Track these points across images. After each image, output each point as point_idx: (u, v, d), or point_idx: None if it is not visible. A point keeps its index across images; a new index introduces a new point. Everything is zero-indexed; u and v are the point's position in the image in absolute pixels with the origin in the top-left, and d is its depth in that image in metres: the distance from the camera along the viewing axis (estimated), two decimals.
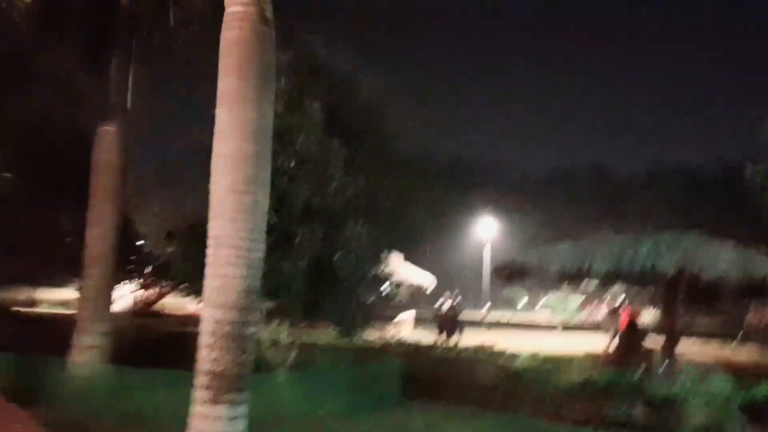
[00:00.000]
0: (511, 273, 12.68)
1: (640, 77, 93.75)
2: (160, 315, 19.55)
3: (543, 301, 43.66)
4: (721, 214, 22.00)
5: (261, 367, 8.46)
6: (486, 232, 34.79)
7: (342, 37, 11.09)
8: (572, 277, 12.29)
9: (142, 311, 19.90)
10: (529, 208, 42.31)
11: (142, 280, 19.08)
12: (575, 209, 41.61)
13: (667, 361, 11.25)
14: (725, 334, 28.57)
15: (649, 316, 20.22)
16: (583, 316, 41.09)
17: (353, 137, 10.98)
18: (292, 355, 10.59)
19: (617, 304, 23.18)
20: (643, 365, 11.11)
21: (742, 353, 20.55)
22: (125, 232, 13.41)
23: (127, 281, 18.43)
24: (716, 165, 36.03)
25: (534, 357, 13.47)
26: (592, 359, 14.07)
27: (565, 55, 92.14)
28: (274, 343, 10.57)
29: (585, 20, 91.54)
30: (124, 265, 15.34)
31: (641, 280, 12.29)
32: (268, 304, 9.54)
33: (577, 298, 43.36)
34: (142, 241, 19.09)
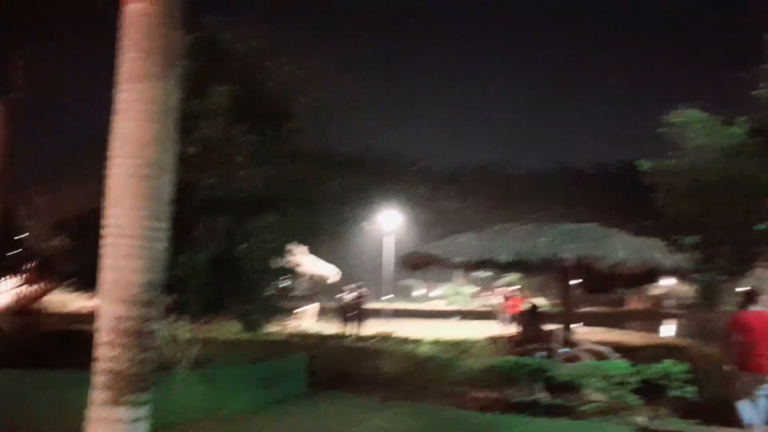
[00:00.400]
0: (417, 263, 12.75)
1: (545, 77, 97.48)
2: (39, 313, 18.25)
3: (438, 290, 44.71)
4: (616, 208, 23.32)
5: (160, 365, 7.98)
6: (388, 223, 35.12)
7: (256, 21, 10.66)
8: (477, 267, 12.52)
9: (22, 309, 18.51)
10: (432, 202, 43.15)
11: (24, 276, 17.73)
12: (474, 203, 42.80)
13: (565, 345, 11.66)
14: (616, 317, 30.16)
15: (539, 302, 21.10)
16: (477, 304, 42.53)
17: (261, 125, 10.57)
18: (194, 351, 10.11)
19: (513, 293, 24.09)
20: (544, 349, 11.44)
21: (633, 335, 21.81)
22: (5, 225, 12.36)
23: (7, 277, 17.07)
24: (613, 163, 38.13)
25: (438, 344, 13.66)
26: (494, 345, 14.45)
27: (476, 53, 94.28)
28: (174, 339, 10.05)
29: (492, 19, 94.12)
30: (3, 260, 14.16)
31: (539, 269, 12.70)
32: (167, 299, 9.01)
33: (470, 287, 44.78)
34: (25, 234, 17.72)
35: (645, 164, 14.90)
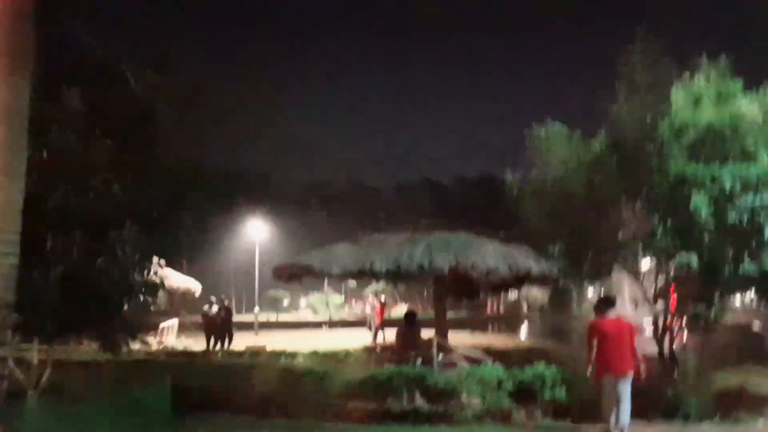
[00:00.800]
0: (292, 273, 12.44)
1: (410, 90, 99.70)
2: None
3: (305, 300, 44.44)
4: (484, 218, 24.25)
5: (9, 392, 7.16)
6: (257, 236, 34.52)
7: (116, 29, 9.95)
8: (355, 276, 12.43)
9: None
10: (300, 215, 43.12)
11: None
12: (341, 214, 43.23)
13: (443, 352, 11.79)
14: (478, 321, 31.23)
15: (405, 309, 21.49)
16: (345, 313, 42.63)
17: (120, 135, 9.83)
18: (45, 376, 9.14)
19: (380, 301, 24.28)
20: (420, 357, 11.50)
21: (496, 339, 22.69)
22: None
23: None
24: (478, 176, 39.70)
25: (312, 356, 13.37)
26: (369, 354, 14.38)
27: (344, 64, 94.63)
28: (20, 362, 9.04)
29: (359, 27, 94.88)
30: None
31: (415, 277, 12.83)
32: (17, 319, 8.07)
33: (337, 297, 44.86)
34: None
35: (512, 176, 15.60)
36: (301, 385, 10.52)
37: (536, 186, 14.81)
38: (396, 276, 11.59)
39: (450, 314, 14.86)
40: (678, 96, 13.56)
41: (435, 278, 12.23)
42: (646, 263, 14.11)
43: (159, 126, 11.12)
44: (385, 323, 21.60)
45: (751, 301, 27.99)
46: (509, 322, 39.19)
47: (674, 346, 13.90)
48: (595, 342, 8.92)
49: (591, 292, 27.66)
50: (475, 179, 42.55)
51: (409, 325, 12.23)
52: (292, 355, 13.49)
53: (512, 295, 39.48)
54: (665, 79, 13.98)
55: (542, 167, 14.91)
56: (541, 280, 12.58)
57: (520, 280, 12.15)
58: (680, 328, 14.14)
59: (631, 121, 14.26)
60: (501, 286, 13.36)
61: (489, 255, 11.09)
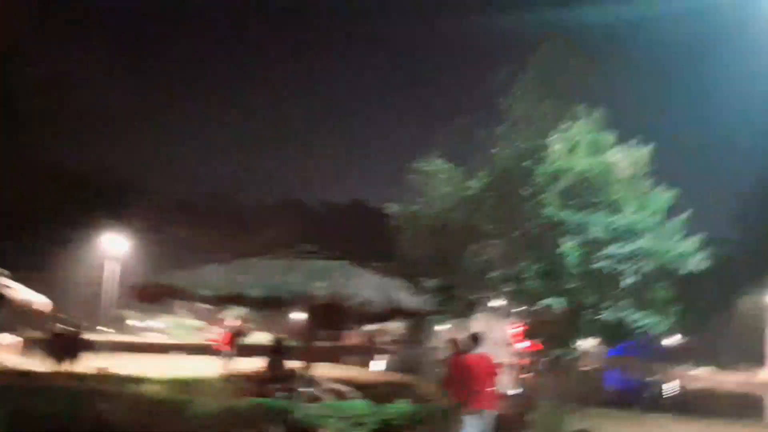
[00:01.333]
0: (154, 293, 11.58)
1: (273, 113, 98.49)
2: None
3: (159, 322, 42.21)
4: (359, 247, 24.16)
5: None
6: (111, 253, 32.33)
7: None
8: (226, 302, 11.79)
9: None
10: (161, 231, 41.06)
11: None
12: (201, 233, 41.68)
13: (306, 384, 11.41)
14: (335, 352, 30.91)
15: (263, 337, 20.77)
16: (202, 337, 40.87)
17: None
18: None
19: (237, 326, 23.41)
20: (285, 388, 11.08)
21: (372, 373, 22.42)
22: None
23: None
24: (351, 203, 39.60)
25: (165, 384, 12.52)
26: (230, 383, 13.67)
27: (211, 75, 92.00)
28: None
29: (233, 44, 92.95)
30: None
31: (285, 305, 12.42)
32: None
33: (194, 320, 42.98)
34: None
35: (392, 208, 15.66)
36: (152, 416, 9.72)
37: (415, 219, 14.99)
38: (269, 303, 11.08)
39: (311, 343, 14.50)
40: (556, 143, 14.27)
41: (309, 307, 11.86)
42: (510, 303, 14.65)
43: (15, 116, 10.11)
44: (243, 351, 20.76)
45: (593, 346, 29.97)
46: (365, 352, 39.19)
47: (524, 386, 14.44)
48: (459, 376, 9.19)
49: (446, 328, 28.37)
50: (347, 206, 42.52)
51: (275, 354, 11.75)
52: (143, 381, 12.51)
53: (369, 326, 39.53)
54: (544, 124, 14.73)
55: (422, 201, 15.14)
56: (412, 314, 12.57)
57: (392, 312, 12.06)
58: (534, 369, 14.73)
59: (510, 163, 14.85)
60: (372, 318, 13.23)
61: (365, 286, 10.90)
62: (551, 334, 13.59)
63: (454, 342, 10.79)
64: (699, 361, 37.49)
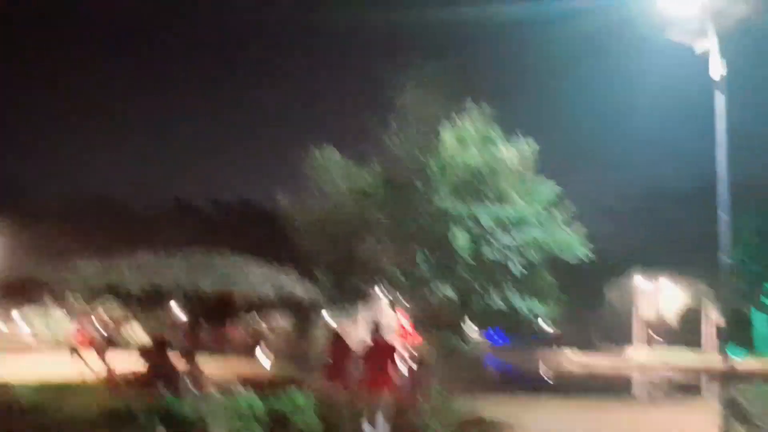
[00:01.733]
0: (21, 288, 10.72)
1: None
2: None
3: (26, 318, 39.43)
4: (248, 239, 23.46)
5: None
6: None
7: None
8: (101, 296, 11.07)
9: None
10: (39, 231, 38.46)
11: None
12: (85, 236, 39.38)
13: (192, 379, 10.97)
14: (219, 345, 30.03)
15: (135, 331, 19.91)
16: (71, 334, 38.46)
17: None
18: None
19: (106, 322, 22.21)
20: (169, 385, 10.58)
21: (259, 366, 21.79)
22: None
23: None
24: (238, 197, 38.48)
25: (38, 389, 11.66)
26: (108, 383, 12.93)
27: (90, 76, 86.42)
28: None
29: (119, 43, 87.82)
30: None
31: (166, 300, 11.90)
32: None
33: (62, 315, 40.40)
34: None
35: (283, 200, 15.31)
36: (24, 420, 8.99)
37: (307, 211, 14.74)
38: (151, 297, 10.51)
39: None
40: (447, 135, 14.45)
41: (194, 300, 11.36)
42: (402, 293, 14.78)
43: None
44: (122, 348, 19.69)
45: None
46: (250, 346, 38.31)
47: (415, 374, 14.62)
48: (356, 363, 9.57)
49: (338, 318, 28.37)
50: (238, 203, 41.25)
51: (158, 351, 11.22)
52: (8, 387, 11.53)
53: (256, 318, 38.83)
54: (436, 117, 14.85)
55: (314, 192, 14.92)
56: (305, 305, 12.38)
57: (283, 304, 11.81)
58: (424, 356, 14.95)
59: (402, 154, 14.89)
60: (262, 310, 12.91)
61: (255, 278, 10.59)
62: (442, 322, 13.84)
63: (343, 332, 10.87)
64: (574, 345, 39.68)
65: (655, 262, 38.06)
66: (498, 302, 12.87)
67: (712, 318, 40.20)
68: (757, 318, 30.32)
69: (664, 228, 35.64)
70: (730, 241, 11.61)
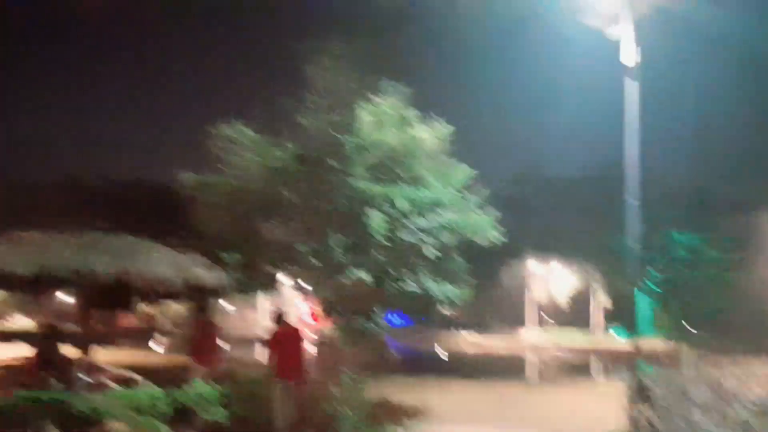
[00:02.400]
0: None
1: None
2: None
3: None
4: (151, 221, 22.02)
5: None
6: None
7: None
8: None
9: None
10: None
11: None
12: None
13: (87, 372, 10.17)
14: (110, 334, 28.53)
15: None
16: None
17: None
18: None
19: None
20: (61, 378, 9.77)
21: (155, 356, 20.82)
22: None
23: None
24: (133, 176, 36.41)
25: None
26: None
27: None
28: None
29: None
30: None
31: (57, 286, 10.95)
32: None
33: None
34: None
35: (187, 178, 14.35)
36: None
37: (214, 190, 13.89)
38: (40, 282, 9.47)
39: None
40: (363, 115, 14.03)
41: (87, 286, 10.42)
42: (313, 277, 14.32)
43: None
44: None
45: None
46: (144, 334, 36.73)
47: (324, 358, 14.51)
48: (273, 350, 10.16)
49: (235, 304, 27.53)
50: (134, 179, 38.57)
51: (47, 340, 10.30)
52: None
53: (147, 306, 37.19)
54: (351, 95, 14.36)
55: (222, 170, 14.07)
56: (212, 292, 11.72)
57: (187, 290, 11.11)
58: (333, 341, 14.75)
59: (317, 133, 14.35)
60: (164, 296, 12.14)
61: (158, 262, 9.83)
62: (355, 306, 13.60)
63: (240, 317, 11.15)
64: (471, 328, 40.70)
65: (547, 246, 39.50)
66: (411, 285, 12.77)
67: (600, 300, 42.50)
68: (641, 300, 32.23)
69: (561, 214, 36.95)
70: (640, 227, 12.04)
